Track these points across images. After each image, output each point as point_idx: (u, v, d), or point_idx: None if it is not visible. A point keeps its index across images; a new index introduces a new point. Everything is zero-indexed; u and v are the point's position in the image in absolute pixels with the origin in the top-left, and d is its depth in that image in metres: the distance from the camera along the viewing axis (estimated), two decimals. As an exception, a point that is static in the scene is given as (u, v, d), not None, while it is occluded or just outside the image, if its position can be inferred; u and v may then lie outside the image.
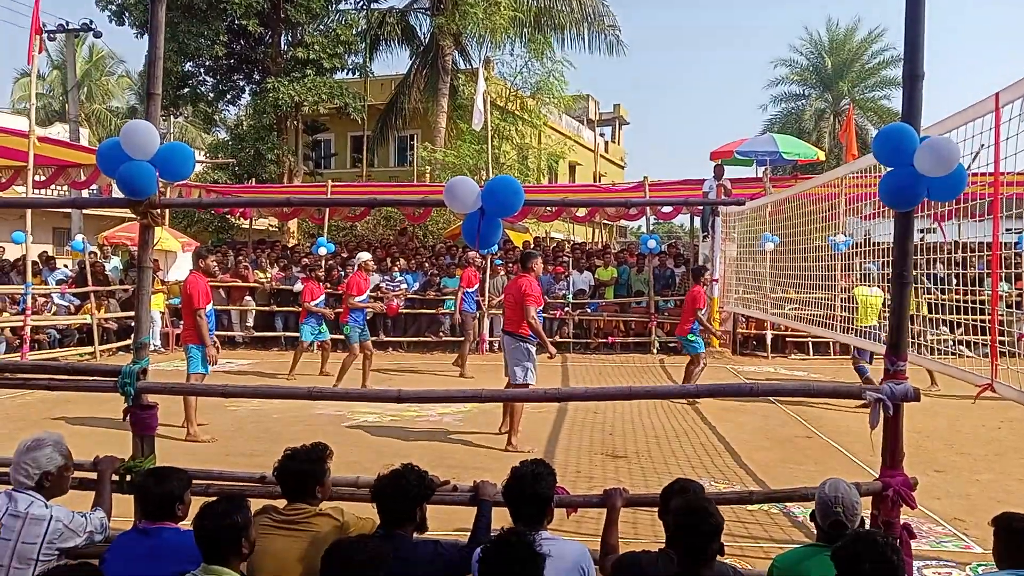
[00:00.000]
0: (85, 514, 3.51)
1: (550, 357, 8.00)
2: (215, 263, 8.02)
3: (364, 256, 11.39)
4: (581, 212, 18.89)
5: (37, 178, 13.23)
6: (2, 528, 3.18)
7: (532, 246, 18.34)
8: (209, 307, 8.06)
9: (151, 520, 3.25)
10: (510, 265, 15.75)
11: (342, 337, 11.04)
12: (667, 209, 17.67)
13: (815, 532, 3.34)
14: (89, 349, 13.42)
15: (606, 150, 41.01)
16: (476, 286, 13.28)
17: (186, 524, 3.26)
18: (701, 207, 15.78)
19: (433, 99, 25.48)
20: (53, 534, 3.26)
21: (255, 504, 3.23)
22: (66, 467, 3.50)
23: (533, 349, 7.63)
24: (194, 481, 3.86)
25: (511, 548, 2.68)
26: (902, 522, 3.88)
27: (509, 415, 7.66)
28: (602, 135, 41.46)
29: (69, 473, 3.57)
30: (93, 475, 4.05)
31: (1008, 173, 4.43)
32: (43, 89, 39.23)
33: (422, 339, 15.51)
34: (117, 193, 4.49)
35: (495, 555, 2.69)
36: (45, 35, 22.00)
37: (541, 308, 8.08)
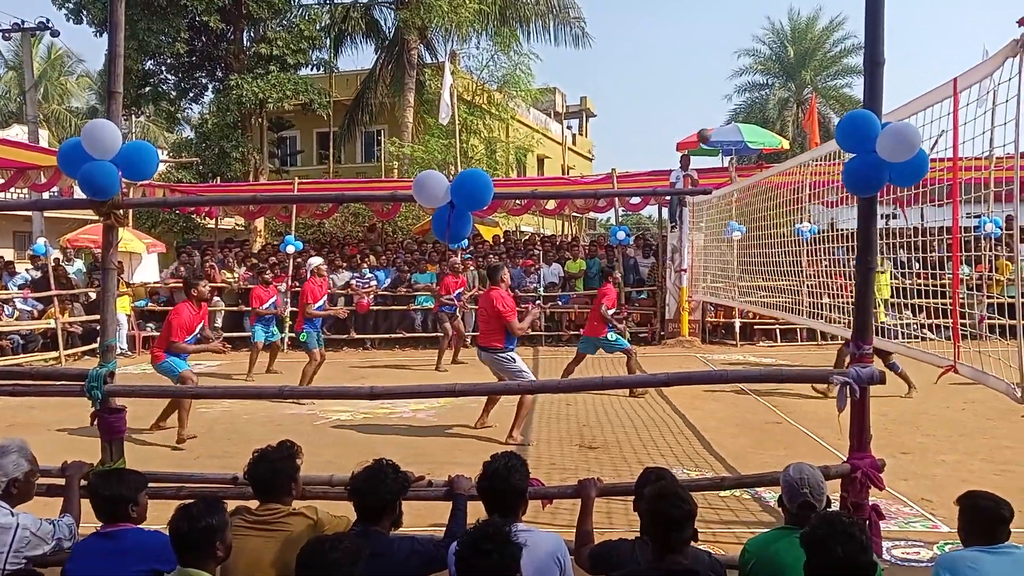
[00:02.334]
0: (53, 521, 3.46)
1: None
2: (207, 287, 7.81)
3: (315, 261, 11.00)
4: (550, 205, 18.92)
5: (-5, 181, 12.97)
6: None
7: (501, 240, 18.37)
8: (197, 328, 7.86)
9: (109, 523, 3.21)
10: (479, 259, 15.75)
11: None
12: (635, 200, 17.73)
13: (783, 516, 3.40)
14: (54, 354, 13.17)
15: (574, 143, 41.06)
16: (457, 292, 12.93)
17: (158, 526, 3.23)
18: (669, 198, 15.88)
19: (400, 94, 25.32)
20: (20, 542, 3.21)
21: (228, 506, 3.20)
22: (32, 472, 3.46)
23: (514, 354, 7.59)
24: (166, 484, 3.83)
25: (487, 539, 2.69)
26: (871, 503, 3.96)
27: (517, 408, 7.57)
28: (569, 128, 41.52)
29: (35, 479, 3.53)
30: (61, 481, 4.00)
31: (966, 158, 4.51)
32: (-1, 90, 38.42)
33: (394, 336, 15.45)
34: (79, 194, 4.42)
35: (471, 547, 2.70)
36: (0, 34, 21.65)
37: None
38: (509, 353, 7.57)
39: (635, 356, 10.15)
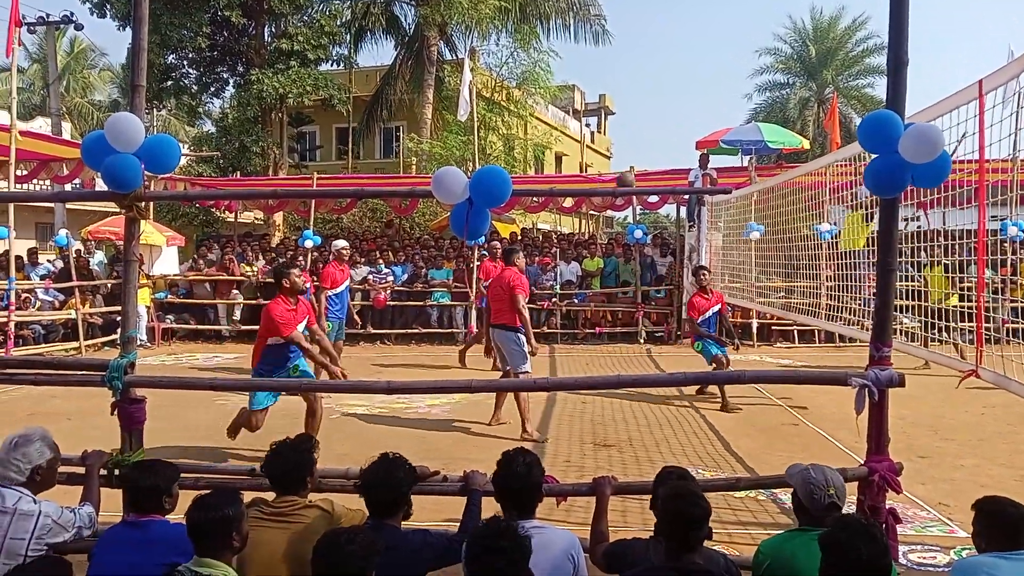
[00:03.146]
0: (74, 509, 3.50)
1: (531, 352, 7.72)
2: (301, 277, 6.67)
3: (339, 244, 10.64)
4: (568, 202, 18.91)
5: (19, 173, 13.10)
6: None
7: (519, 237, 18.37)
8: (301, 326, 6.56)
9: (139, 513, 3.25)
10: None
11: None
12: (653, 199, 17.70)
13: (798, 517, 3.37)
14: (74, 344, 13.31)
15: (592, 140, 41.01)
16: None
17: (175, 517, 3.27)
18: (687, 196, 15.81)
19: (419, 90, 25.39)
20: (42, 530, 3.25)
21: (245, 497, 3.23)
22: (55, 460, 3.51)
23: (523, 337, 7.67)
24: (184, 475, 3.86)
25: (497, 536, 2.69)
26: (888, 507, 3.93)
27: (516, 405, 7.57)
28: (588, 125, 41.46)
29: (57, 466, 3.58)
30: (81, 470, 4.04)
31: (992, 160, 4.47)
32: (23, 83, 38.78)
33: (410, 331, 15.49)
34: (101, 187, 4.47)
35: (481, 543, 2.70)
36: (25, 27, 21.88)
37: (528, 299, 8.03)
38: (522, 336, 7.64)
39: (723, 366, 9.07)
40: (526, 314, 7.67)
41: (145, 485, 3.26)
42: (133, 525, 3.23)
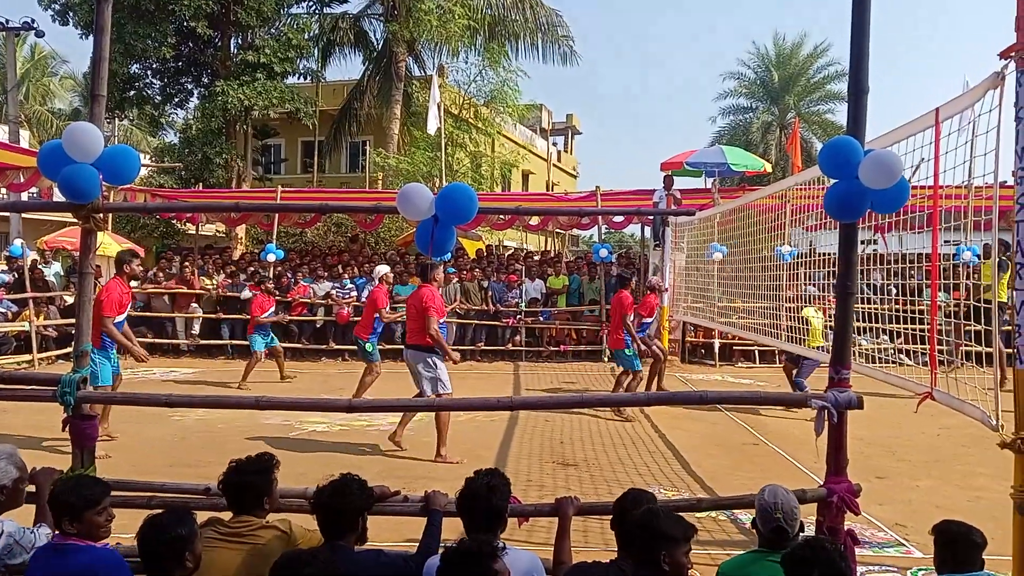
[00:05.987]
0: (33, 530, 3.37)
1: (454, 363, 7.61)
2: (140, 267, 7.75)
3: (383, 269, 10.55)
4: (534, 221, 18.96)
5: (-27, 180, 12.80)
6: None
7: (484, 254, 18.37)
8: (125, 312, 7.86)
9: (62, 534, 3.06)
10: (462, 273, 15.73)
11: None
12: (618, 219, 17.80)
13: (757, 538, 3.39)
14: (27, 357, 12.99)
15: (559, 159, 41.25)
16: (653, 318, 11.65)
17: (122, 535, 3.17)
18: (652, 217, 15.95)
19: (386, 105, 25.35)
20: (3, 550, 3.11)
21: (200, 517, 3.15)
22: (21, 480, 3.32)
23: (439, 360, 7.44)
24: (136, 493, 3.76)
25: (473, 557, 2.66)
26: (846, 528, 3.96)
27: (436, 427, 7.38)
28: (555, 144, 41.71)
29: (24, 486, 3.40)
30: (31, 487, 3.91)
31: (947, 186, 4.57)
32: (-20, 89, 38.02)
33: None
34: (58, 196, 4.37)
35: (457, 561, 2.67)
36: (-17, 33, 21.45)
37: (443, 319, 7.86)
38: (435, 357, 7.41)
39: (632, 380, 9.76)
40: (439, 336, 7.41)
41: (63, 501, 3.06)
42: (55, 549, 3.03)
